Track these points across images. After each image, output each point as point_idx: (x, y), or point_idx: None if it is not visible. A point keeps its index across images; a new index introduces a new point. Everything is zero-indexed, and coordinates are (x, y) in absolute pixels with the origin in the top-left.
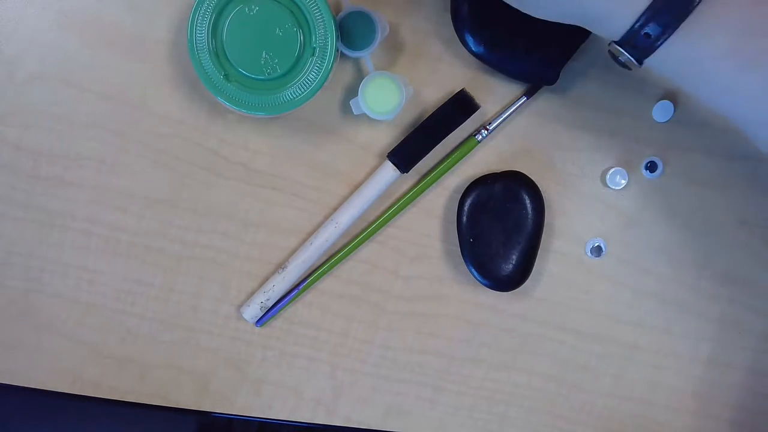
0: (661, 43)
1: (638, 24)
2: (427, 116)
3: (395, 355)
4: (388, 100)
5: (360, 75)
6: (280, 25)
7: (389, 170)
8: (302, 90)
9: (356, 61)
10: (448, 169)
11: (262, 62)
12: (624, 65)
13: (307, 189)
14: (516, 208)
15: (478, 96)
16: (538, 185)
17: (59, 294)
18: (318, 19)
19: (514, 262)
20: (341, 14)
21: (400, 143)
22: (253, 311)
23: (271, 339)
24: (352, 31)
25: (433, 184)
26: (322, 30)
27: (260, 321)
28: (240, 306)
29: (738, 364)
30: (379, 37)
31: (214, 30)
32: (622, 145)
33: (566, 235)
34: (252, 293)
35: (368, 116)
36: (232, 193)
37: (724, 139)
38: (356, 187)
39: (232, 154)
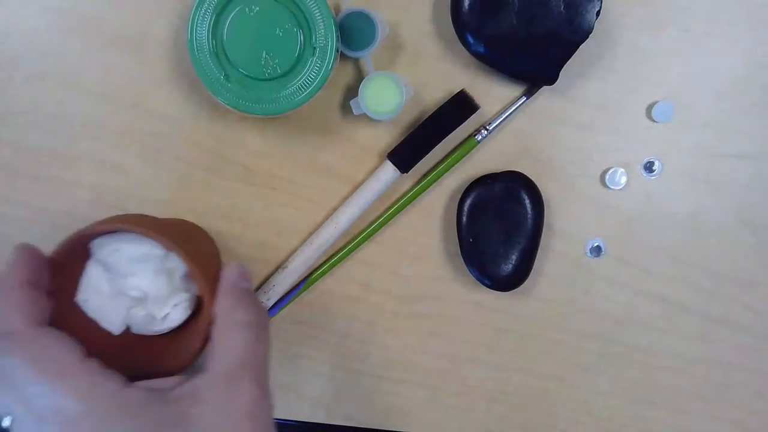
0: None
1: None
2: (427, 116)
3: (395, 355)
4: (388, 100)
5: (360, 75)
6: (280, 25)
7: (389, 170)
8: (302, 90)
9: (356, 61)
10: (448, 169)
11: (262, 62)
12: None
13: (307, 189)
14: (516, 208)
15: (478, 96)
16: (538, 185)
17: None
18: (318, 19)
19: (514, 262)
20: (341, 14)
21: (400, 143)
22: None
23: (271, 339)
24: (352, 31)
25: (433, 184)
26: (322, 30)
27: None
28: None
29: (738, 364)
30: (379, 37)
31: (214, 30)
32: (622, 145)
33: (566, 235)
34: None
35: (368, 116)
36: (232, 193)
37: (724, 139)
38: (356, 187)
39: (232, 154)
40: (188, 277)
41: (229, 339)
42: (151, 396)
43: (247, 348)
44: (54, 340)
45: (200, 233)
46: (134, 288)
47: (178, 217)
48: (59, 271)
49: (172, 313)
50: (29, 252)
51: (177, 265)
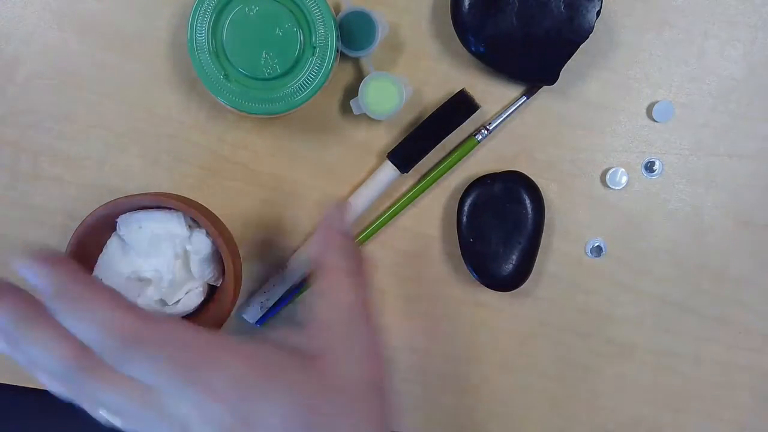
0: None
1: None
2: (427, 116)
3: (395, 355)
4: (388, 100)
5: (360, 75)
6: (280, 25)
7: (389, 170)
8: (302, 90)
9: (356, 61)
10: (448, 169)
11: (262, 62)
12: None
13: (307, 189)
14: (516, 208)
15: (478, 96)
16: (538, 185)
17: None
18: (318, 19)
19: (514, 262)
20: (341, 14)
21: (400, 143)
22: (253, 311)
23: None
24: (352, 31)
25: (433, 184)
26: (322, 30)
27: (260, 321)
28: (240, 306)
29: (738, 364)
30: (379, 37)
31: (214, 30)
32: (622, 145)
33: (566, 235)
34: (252, 293)
35: (368, 116)
36: (232, 193)
37: (724, 139)
38: (356, 187)
39: (232, 154)
40: (206, 262)
41: (338, 287)
42: (283, 349)
43: (357, 294)
44: (184, 324)
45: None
46: (150, 269)
47: None
48: (81, 245)
49: (184, 299)
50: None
51: (197, 248)
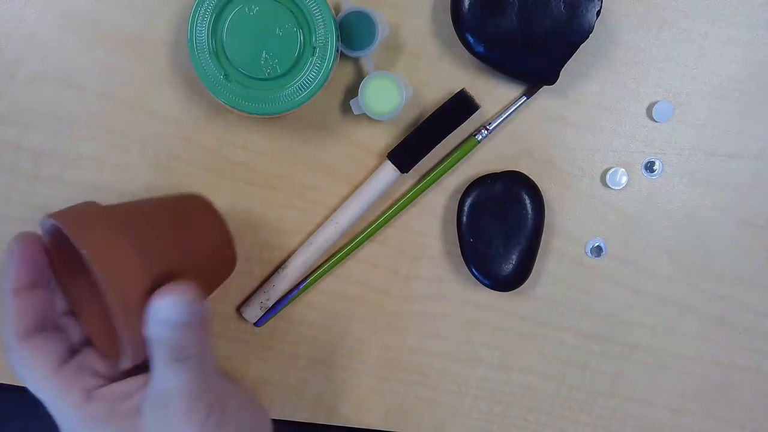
0: None
1: None
2: (427, 116)
3: (395, 355)
4: (388, 100)
5: (360, 75)
6: (280, 25)
7: (389, 170)
8: (302, 90)
9: (356, 61)
10: (448, 169)
11: (262, 62)
12: None
13: (307, 189)
14: (516, 208)
15: (478, 96)
16: (538, 185)
17: None
18: (318, 19)
19: (514, 262)
20: (341, 14)
21: (400, 143)
22: (253, 311)
23: (271, 339)
24: (352, 31)
25: (433, 184)
26: (322, 30)
27: (260, 321)
28: (240, 306)
29: (738, 364)
30: (379, 37)
31: (214, 30)
32: (622, 145)
33: (566, 235)
34: (252, 293)
35: (368, 116)
36: (232, 193)
37: (724, 139)
38: (356, 187)
39: (232, 154)
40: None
41: (159, 372)
42: (108, 409)
43: (172, 384)
44: (32, 352)
45: (200, 219)
46: None
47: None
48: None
49: None
50: (23, 248)
51: None
